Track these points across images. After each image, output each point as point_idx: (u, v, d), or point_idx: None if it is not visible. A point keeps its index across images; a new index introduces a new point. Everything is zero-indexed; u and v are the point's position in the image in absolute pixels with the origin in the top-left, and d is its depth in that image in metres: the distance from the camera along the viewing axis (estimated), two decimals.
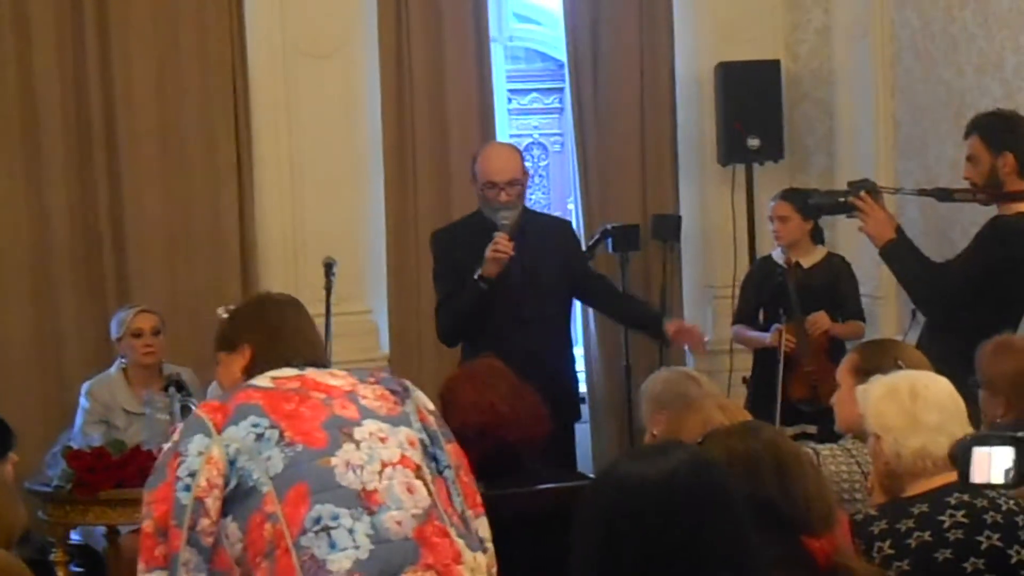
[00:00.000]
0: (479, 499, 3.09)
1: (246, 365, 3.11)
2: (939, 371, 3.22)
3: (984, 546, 2.77)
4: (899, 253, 4.72)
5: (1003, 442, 2.35)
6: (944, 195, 4.85)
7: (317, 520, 2.78)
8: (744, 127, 6.67)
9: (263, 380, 2.99)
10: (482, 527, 3.06)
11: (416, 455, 2.95)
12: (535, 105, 8.06)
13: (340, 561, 2.76)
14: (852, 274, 6.03)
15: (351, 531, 2.79)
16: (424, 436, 3.02)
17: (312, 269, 6.16)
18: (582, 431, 6.20)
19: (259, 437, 2.84)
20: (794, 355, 5.73)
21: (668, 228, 6.88)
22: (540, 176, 7.81)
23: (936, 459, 2.86)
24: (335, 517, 2.79)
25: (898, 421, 2.93)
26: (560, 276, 5.33)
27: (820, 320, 5.79)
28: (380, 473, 2.87)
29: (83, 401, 5.63)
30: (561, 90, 7.49)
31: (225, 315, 3.39)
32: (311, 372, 3.03)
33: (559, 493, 3.79)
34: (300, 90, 6.65)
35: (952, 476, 2.86)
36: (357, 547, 2.78)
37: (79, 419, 5.60)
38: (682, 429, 3.37)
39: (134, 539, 5.33)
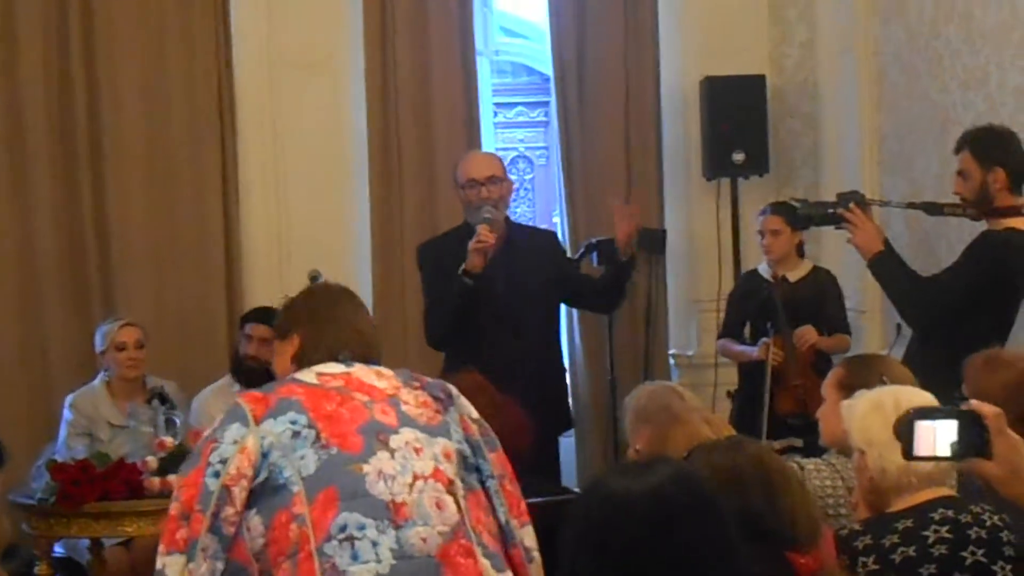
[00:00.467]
0: (524, 507, 3.06)
1: (295, 354, 3.09)
2: (925, 385, 3.22)
3: (968, 561, 2.76)
4: (887, 266, 4.74)
5: (947, 415, 2.34)
6: (934, 209, 4.87)
7: (343, 528, 2.76)
8: (729, 142, 6.68)
9: (308, 375, 2.97)
10: (528, 536, 3.03)
11: (450, 469, 2.92)
12: (521, 118, 8.08)
13: (360, 574, 2.74)
14: (838, 288, 6.03)
15: (375, 543, 2.76)
16: (465, 447, 2.99)
17: (297, 279, 6.09)
18: (567, 444, 6.20)
19: (295, 435, 2.82)
20: (782, 369, 5.73)
21: (653, 242, 6.87)
22: (525, 189, 7.82)
23: (921, 474, 2.86)
24: (361, 527, 2.77)
25: (883, 436, 2.92)
26: (546, 287, 5.35)
27: (807, 334, 5.80)
28: (411, 485, 2.84)
29: (67, 414, 5.61)
30: (547, 103, 7.50)
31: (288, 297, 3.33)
32: (358, 370, 3.00)
33: (544, 508, 3.78)
34: (286, 101, 6.66)
35: (937, 492, 2.87)
36: (379, 561, 2.75)
37: (63, 432, 5.59)
38: (667, 443, 3.38)
39: (118, 552, 5.34)
